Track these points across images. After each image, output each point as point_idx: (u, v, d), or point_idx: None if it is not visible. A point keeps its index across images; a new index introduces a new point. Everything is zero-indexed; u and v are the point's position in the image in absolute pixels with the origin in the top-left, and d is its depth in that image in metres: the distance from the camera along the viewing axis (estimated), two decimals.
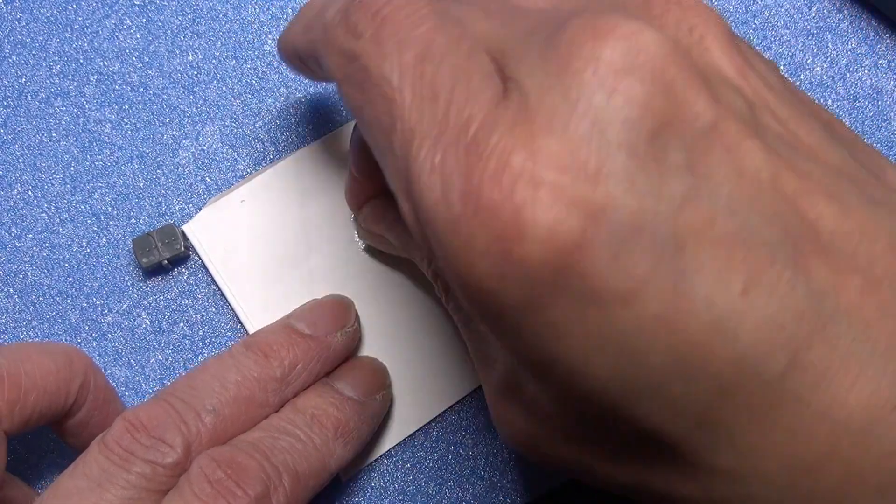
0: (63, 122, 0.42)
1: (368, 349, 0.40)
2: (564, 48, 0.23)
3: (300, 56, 0.32)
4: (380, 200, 0.37)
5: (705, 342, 0.22)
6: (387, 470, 0.40)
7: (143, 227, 0.41)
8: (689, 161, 0.23)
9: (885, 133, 0.41)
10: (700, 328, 0.22)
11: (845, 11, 0.42)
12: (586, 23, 0.23)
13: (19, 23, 0.42)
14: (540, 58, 0.23)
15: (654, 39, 0.23)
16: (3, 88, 0.42)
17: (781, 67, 0.42)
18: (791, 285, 0.23)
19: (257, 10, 0.43)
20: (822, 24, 0.42)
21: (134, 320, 0.41)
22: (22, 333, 0.41)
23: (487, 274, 0.22)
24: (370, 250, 0.40)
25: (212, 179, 0.42)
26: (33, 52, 0.42)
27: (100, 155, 0.42)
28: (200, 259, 0.41)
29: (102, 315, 0.41)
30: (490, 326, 0.24)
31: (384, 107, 0.25)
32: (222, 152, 0.42)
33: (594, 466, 0.27)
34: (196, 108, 0.42)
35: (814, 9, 0.42)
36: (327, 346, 0.37)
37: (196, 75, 0.42)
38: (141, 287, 0.41)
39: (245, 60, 0.42)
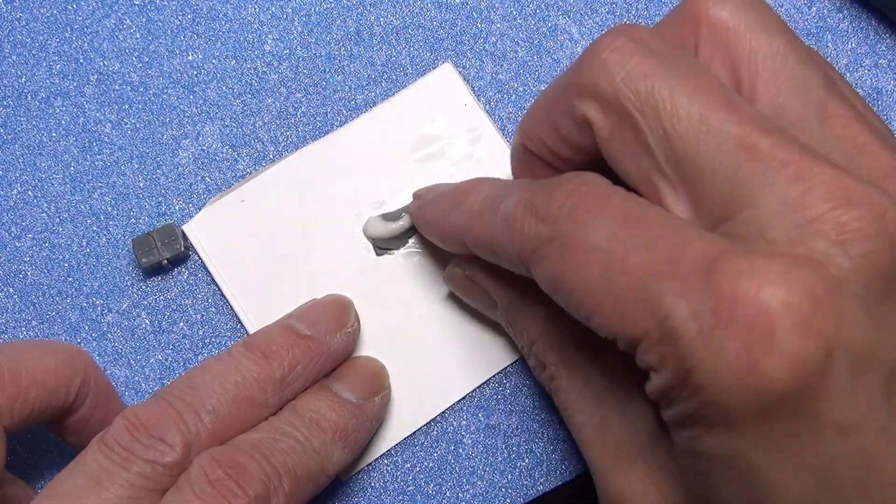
0: (63, 122, 0.42)
1: (368, 349, 0.40)
2: (810, 206, 0.25)
3: (465, 244, 0.34)
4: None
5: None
6: (386, 470, 0.40)
7: (143, 227, 0.41)
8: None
9: None
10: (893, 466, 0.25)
11: (845, 11, 0.42)
12: (838, 187, 0.25)
13: (19, 23, 0.42)
14: (782, 208, 0.26)
15: (892, 207, 0.25)
16: (3, 88, 0.42)
17: None
18: None
19: (257, 10, 0.43)
20: (822, 24, 0.42)
21: (134, 320, 0.41)
22: (22, 333, 0.41)
23: (730, 383, 0.24)
24: (369, 250, 0.41)
25: (212, 179, 0.42)
26: (33, 52, 0.42)
27: (100, 155, 0.42)
28: (200, 259, 0.41)
29: (102, 315, 0.41)
30: (709, 430, 0.26)
31: (594, 269, 0.27)
32: (222, 152, 0.42)
33: None
34: (196, 108, 0.42)
35: (814, 9, 0.42)
36: (327, 347, 0.37)
37: (196, 75, 0.42)
38: (141, 287, 0.41)
39: (245, 60, 0.42)
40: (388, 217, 0.40)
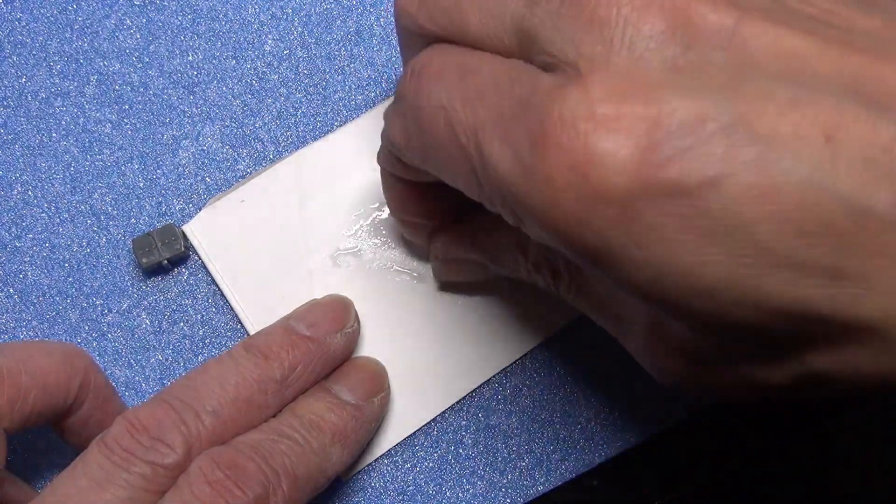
0: (63, 122, 0.42)
1: (368, 349, 0.40)
2: (586, 5, 0.25)
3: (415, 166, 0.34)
4: (453, 226, 0.37)
5: (808, 198, 0.23)
6: (386, 470, 0.40)
7: (143, 227, 0.41)
8: (727, 60, 0.24)
9: None
10: (798, 186, 0.23)
11: None
12: None
13: (19, 23, 0.42)
14: (565, 22, 0.26)
15: None
16: (3, 88, 0.42)
17: None
18: (870, 124, 0.23)
19: (257, 10, 0.43)
20: None
21: (134, 320, 0.41)
22: (22, 333, 0.41)
23: (573, 209, 0.24)
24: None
25: (212, 179, 0.42)
26: (33, 53, 0.42)
27: (100, 155, 0.42)
28: (200, 259, 0.41)
29: (102, 315, 0.41)
30: (595, 263, 0.25)
31: (443, 125, 0.28)
32: (222, 152, 0.42)
33: (753, 376, 0.27)
34: (196, 108, 0.42)
35: None
36: (327, 348, 0.37)
37: (196, 75, 0.42)
38: (141, 287, 0.41)
39: (245, 60, 0.42)
40: None
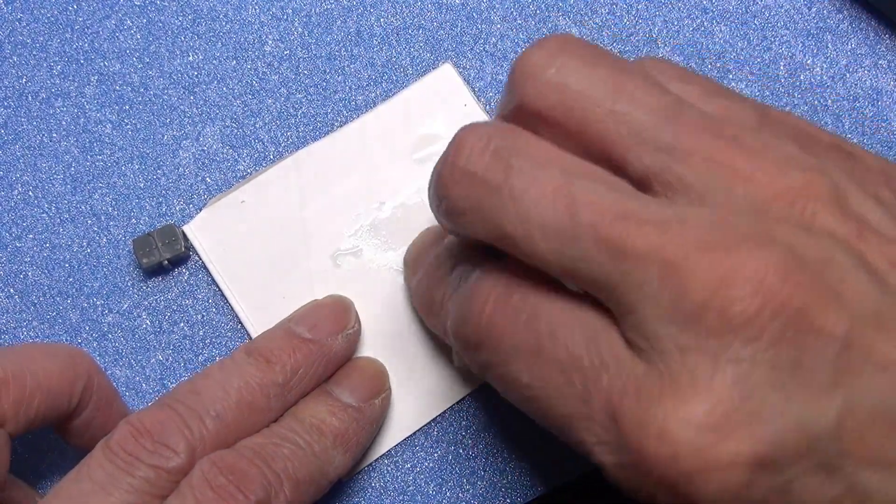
0: (63, 123, 0.42)
1: (368, 349, 0.40)
2: (694, 303, 0.24)
3: None
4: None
5: None
6: (386, 470, 0.40)
7: (144, 228, 0.41)
8: (835, 377, 0.25)
9: (885, 134, 0.41)
10: None
11: (845, 12, 0.42)
12: (710, 270, 0.24)
13: (20, 23, 0.42)
14: (668, 313, 0.25)
15: (776, 269, 0.24)
16: (3, 88, 0.42)
17: (781, 67, 0.42)
18: None
19: (257, 10, 0.43)
20: (821, 25, 0.42)
21: (134, 320, 0.41)
22: (22, 333, 0.41)
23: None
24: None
25: (212, 179, 0.42)
26: (34, 53, 0.42)
27: (100, 155, 0.42)
28: (201, 259, 0.41)
29: (103, 315, 0.41)
30: None
31: (526, 393, 0.28)
32: (222, 152, 0.42)
33: None
34: (196, 108, 0.42)
35: (814, 9, 0.42)
36: (329, 350, 0.37)
37: (196, 76, 0.42)
38: (141, 287, 0.41)
39: (245, 61, 0.42)
40: None
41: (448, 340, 0.33)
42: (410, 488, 0.40)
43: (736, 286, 0.24)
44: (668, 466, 0.24)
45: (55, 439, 0.39)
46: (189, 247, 0.41)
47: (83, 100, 0.42)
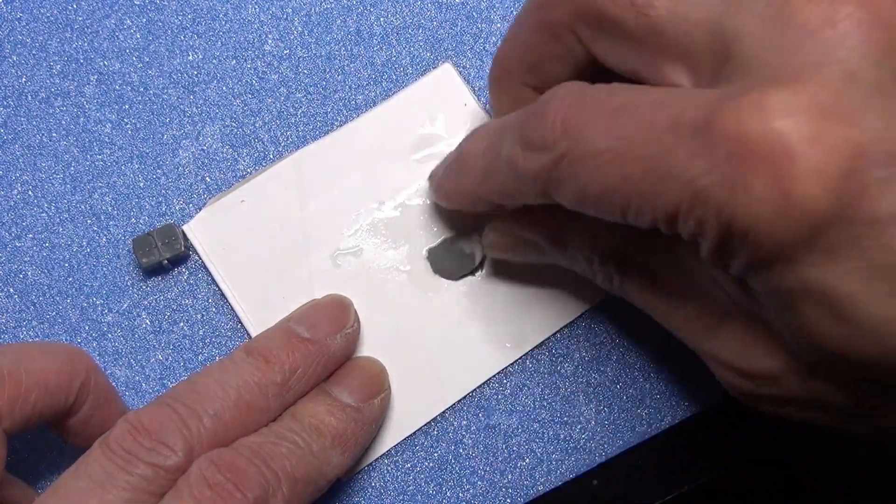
0: (63, 122, 0.42)
1: (368, 349, 0.40)
2: (797, 14, 0.25)
3: (485, 201, 0.35)
4: (519, 216, 0.37)
5: None
6: (386, 470, 0.40)
7: (144, 227, 0.41)
8: None
9: None
10: None
11: None
12: None
13: (19, 23, 0.42)
14: (774, 27, 0.25)
15: None
16: (3, 88, 0.42)
17: None
18: None
19: (257, 10, 0.43)
20: None
21: (134, 320, 0.41)
22: (22, 333, 0.41)
23: (771, 217, 0.24)
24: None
25: (212, 179, 0.42)
26: (33, 52, 0.42)
27: (100, 155, 0.42)
28: (200, 259, 0.41)
29: (102, 315, 0.41)
30: (772, 269, 0.25)
31: (606, 171, 0.27)
32: (222, 152, 0.42)
33: (835, 401, 0.27)
34: (196, 108, 0.42)
35: None
36: (328, 349, 0.37)
37: (196, 75, 0.42)
38: (141, 287, 0.41)
39: (245, 60, 0.42)
40: (454, 249, 0.40)
41: (491, 184, 0.33)
42: (410, 488, 0.40)
43: (842, 3, 0.24)
44: (769, 146, 0.23)
45: (53, 438, 0.39)
46: (189, 246, 0.41)
47: (83, 99, 0.42)
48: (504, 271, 0.40)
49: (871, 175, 0.23)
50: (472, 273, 0.40)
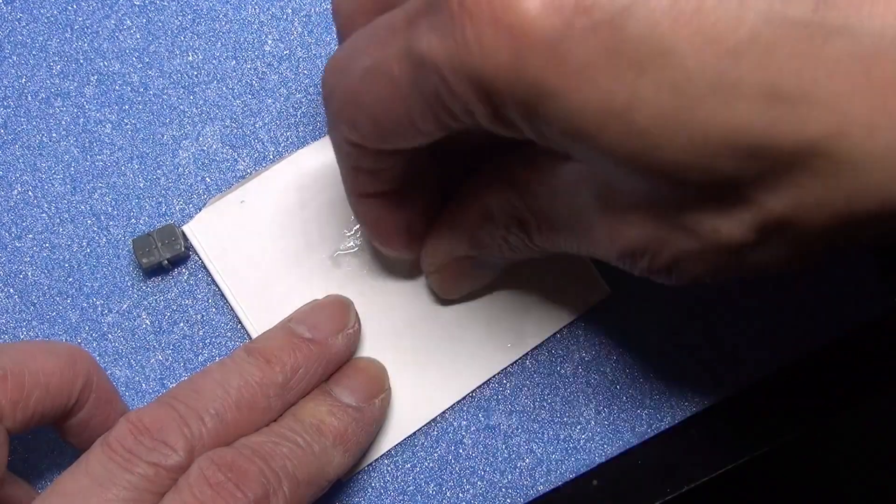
0: (63, 123, 0.42)
1: (368, 349, 0.40)
2: None
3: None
4: (431, 232, 0.37)
5: (725, 14, 0.23)
6: (386, 470, 0.40)
7: (144, 228, 0.41)
8: None
9: None
10: (713, 3, 0.23)
11: None
12: None
13: (19, 23, 0.42)
14: None
15: None
16: (3, 88, 0.42)
17: None
18: None
19: (257, 10, 0.43)
20: None
21: (134, 320, 0.41)
22: (22, 333, 0.41)
23: (507, 63, 0.24)
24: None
25: (212, 179, 0.42)
26: (33, 53, 0.42)
27: (100, 155, 0.42)
28: (200, 259, 0.41)
29: (102, 315, 0.41)
30: (536, 116, 0.25)
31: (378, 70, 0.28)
32: (222, 152, 0.42)
33: (714, 232, 0.26)
34: (196, 108, 0.42)
35: None
36: (329, 349, 0.37)
37: (196, 76, 0.42)
38: (141, 287, 0.41)
39: (245, 61, 0.42)
40: None
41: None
42: (410, 488, 0.40)
43: None
44: (487, 6, 0.23)
45: (54, 438, 0.39)
46: (189, 247, 0.41)
47: (83, 100, 0.42)
48: (504, 272, 0.40)
49: None
50: None
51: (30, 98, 0.42)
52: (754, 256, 0.27)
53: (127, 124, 0.42)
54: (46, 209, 0.41)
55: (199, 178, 0.42)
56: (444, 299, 0.40)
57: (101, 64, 0.42)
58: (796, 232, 0.25)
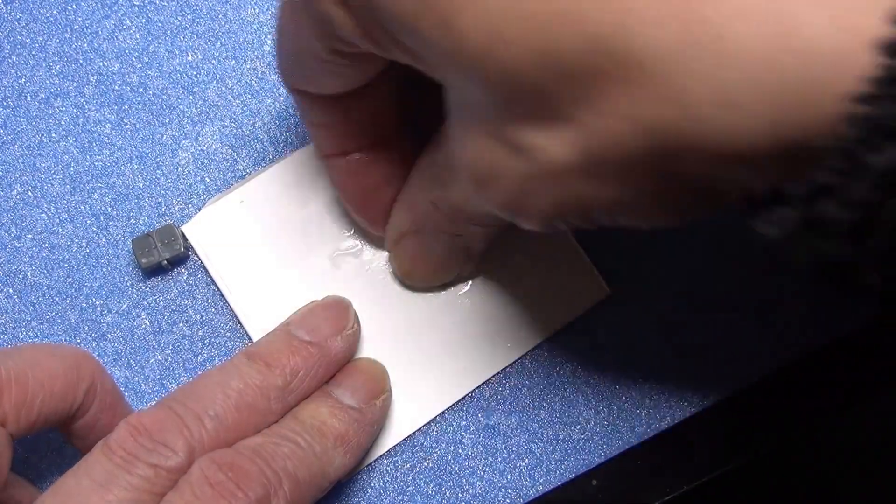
0: (63, 123, 0.42)
1: (368, 350, 0.40)
2: None
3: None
4: (394, 204, 0.38)
5: None
6: (386, 470, 0.40)
7: (143, 228, 0.41)
8: None
9: None
10: None
11: None
12: None
13: (19, 23, 0.42)
14: None
15: None
16: (3, 88, 0.42)
17: None
18: None
19: (257, 10, 0.43)
20: None
21: (133, 320, 0.41)
22: (21, 333, 0.41)
23: None
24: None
25: (211, 179, 0.42)
26: (33, 53, 0.42)
27: (99, 155, 0.42)
28: (200, 259, 0.41)
29: (102, 315, 0.41)
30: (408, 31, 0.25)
31: None
32: (222, 152, 0.42)
33: (543, 153, 0.25)
34: (196, 108, 0.42)
35: None
36: (328, 351, 0.37)
37: (196, 75, 0.42)
38: (141, 287, 0.41)
39: (244, 61, 0.42)
40: None
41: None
42: (410, 488, 0.40)
43: None
44: None
45: (56, 439, 0.39)
46: (188, 247, 0.41)
47: (82, 100, 0.42)
48: (503, 272, 0.40)
49: None
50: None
51: (29, 98, 0.42)
52: (591, 191, 0.25)
53: (126, 124, 0.42)
54: (46, 209, 0.41)
55: (199, 178, 0.42)
56: (411, 285, 0.41)
57: (101, 64, 0.42)
58: (621, 160, 0.23)
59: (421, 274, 0.40)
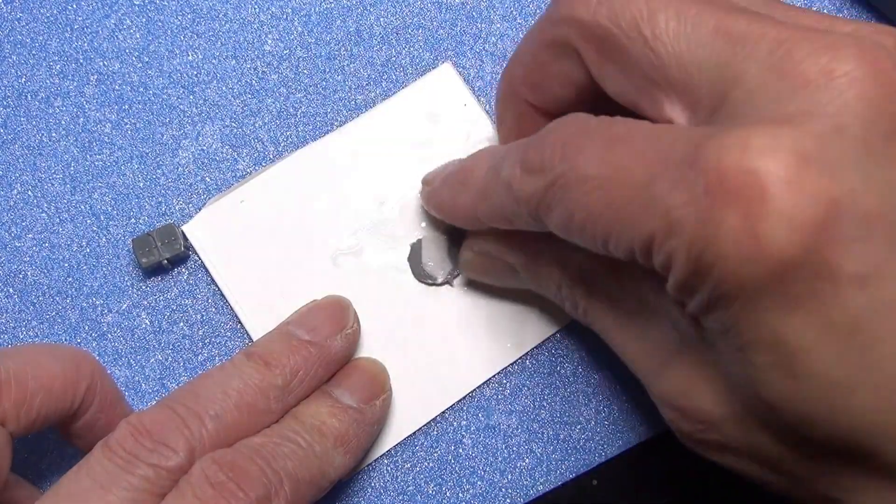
0: (63, 122, 0.42)
1: (368, 350, 0.40)
2: (798, 65, 0.25)
3: (478, 220, 0.35)
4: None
5: None
6: (386, 470, 0.40)
7: (143, 227, 0.41)
8: None
9: None
10: None
11: (845, 11, 0.42)
12: (820, 39, 0.25)
13: (19, 23, 0.42)
14: (766, 74, 0.26)
15: (882, 51, 0.25)
16: (3, 88, 0.42)
17: None
18: None
19: (257, 10, 0.43)
20: None
21: (134, 320, 0.41)
22: (21, 333, 0.41)
23: (736, 254, 0.24)
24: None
25: (212, 179, 0.42)
26: (33, 52, 0.42)
27: (100, 155, 0.42)
28: (200, 259, 0.41)
29: (102, 315, 0.41)
30: (729, 308, 0.25)
31: (594, 196, 0.27)
32: (222, 152, 0.42)
33: (774, 457, 0.27)
34: (196, 108, 0.42)
35: (813, 8, 0.42)
36: (328, 351, 0.37)
37: (196, 75, 0.42)
38: (141, 287, 0.41)
39: (245, 60, 0.42)
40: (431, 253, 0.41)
41: (487, 201, 0.34)
42: (410, 488, 0.40)
43: (844, 50, 0.25)
44: (746, 185, 0.23)
45: (56, 439, 0.39)
46: (188, 246, 0.41)
47: (83, 99, 0.42)
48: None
49: (842, 231, 0.23)
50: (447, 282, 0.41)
51: (29, 98, 0.42)
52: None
53: (127, 124, 0.42)
54: (46, 209, 0.41)
55: (199, 178, 0.42)
56: (474, 280, 0.41)
57: (101, 64, 0.42)
58: None
59: (479, 277, 0.40)
